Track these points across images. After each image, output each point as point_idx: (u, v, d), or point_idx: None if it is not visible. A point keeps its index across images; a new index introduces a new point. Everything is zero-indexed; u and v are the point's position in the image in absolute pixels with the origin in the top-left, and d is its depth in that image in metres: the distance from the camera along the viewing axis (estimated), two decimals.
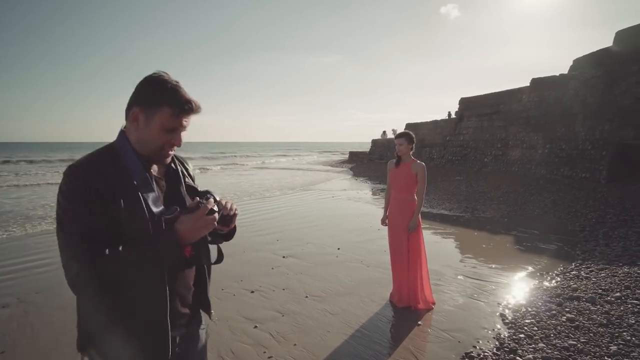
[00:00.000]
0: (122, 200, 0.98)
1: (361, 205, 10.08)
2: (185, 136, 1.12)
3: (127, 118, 1.06)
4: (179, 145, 1.10)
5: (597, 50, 12.01)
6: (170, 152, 1.12)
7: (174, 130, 1.06)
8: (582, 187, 10.41)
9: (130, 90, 1.08)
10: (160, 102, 1.02)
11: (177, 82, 1.05)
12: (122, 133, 1.08)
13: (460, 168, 15.83)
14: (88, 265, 0.90)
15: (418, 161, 3.53)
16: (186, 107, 1.04)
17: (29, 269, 4.79)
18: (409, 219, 3.47)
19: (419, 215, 3.50)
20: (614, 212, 7.48)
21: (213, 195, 1.10)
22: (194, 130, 1.20)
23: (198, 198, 1.04)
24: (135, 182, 1.02)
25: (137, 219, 0.99)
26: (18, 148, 73.54)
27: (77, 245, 0.92)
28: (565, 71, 13.25)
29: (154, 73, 1.06)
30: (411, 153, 3.56)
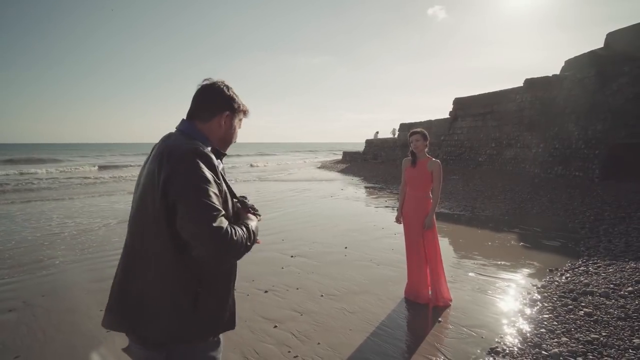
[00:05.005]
0: (223, 182, 1.19)
1: (360, 205, 10.09)
2: None
3: (208, 119, 1.25)
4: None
5: (589, 51, 12.26)
6: None
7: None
8: (577, 186, 10.60)
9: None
10: (242, 108, 1.34)
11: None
12: (200, 131, 1.24)
13: (455, 167, 15.97)
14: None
15: (433, 159, 3.54)
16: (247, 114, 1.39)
17: (32, 272, 4.65)
18: (424, 217, 3.47)
19: (434, 213, 3.51)
20: (610, 210, 7.63)
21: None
22: None
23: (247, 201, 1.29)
24: (222, 170, 1.25)
25: (231, 197, 1.22)
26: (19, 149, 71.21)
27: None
28: (555, 73, 13.50)
29: (223, 84, 1.30)
30: (426, 151, 3.57)
